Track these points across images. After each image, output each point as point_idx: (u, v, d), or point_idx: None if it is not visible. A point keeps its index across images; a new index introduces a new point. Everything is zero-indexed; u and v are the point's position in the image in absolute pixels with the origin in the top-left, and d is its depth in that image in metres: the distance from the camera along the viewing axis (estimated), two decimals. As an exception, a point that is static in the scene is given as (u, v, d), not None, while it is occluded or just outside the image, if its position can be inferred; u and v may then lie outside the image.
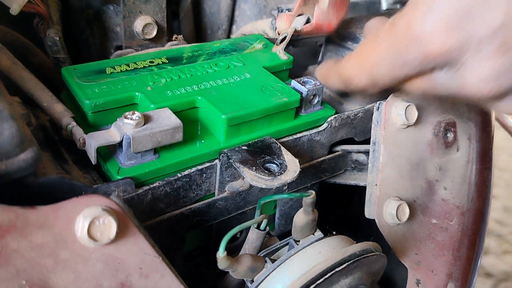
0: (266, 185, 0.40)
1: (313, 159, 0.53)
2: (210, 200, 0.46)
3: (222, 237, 0.52)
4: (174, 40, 0.57)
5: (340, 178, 0.56)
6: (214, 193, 0.47)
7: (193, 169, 0.44)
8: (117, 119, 0.40)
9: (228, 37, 0.69)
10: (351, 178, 0.55)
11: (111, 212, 0.32)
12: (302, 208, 0.39)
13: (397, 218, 0.47)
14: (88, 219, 0.31)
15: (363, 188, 0.55)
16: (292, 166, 0.43)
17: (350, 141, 0.55)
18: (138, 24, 0.55)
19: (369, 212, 0.48)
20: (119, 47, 0.58)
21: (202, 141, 0.45)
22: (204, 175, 0.45)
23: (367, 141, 0.55)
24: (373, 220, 0.48)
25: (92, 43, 0.60)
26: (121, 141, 0.40)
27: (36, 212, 0.31)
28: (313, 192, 0.37)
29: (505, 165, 2.27)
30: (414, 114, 0.48)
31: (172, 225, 0.44)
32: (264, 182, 0.40)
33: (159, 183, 0.42)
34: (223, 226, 0.51)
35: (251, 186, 0.47)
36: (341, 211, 0.62)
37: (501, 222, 2.05)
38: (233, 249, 0.53)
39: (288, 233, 0.57)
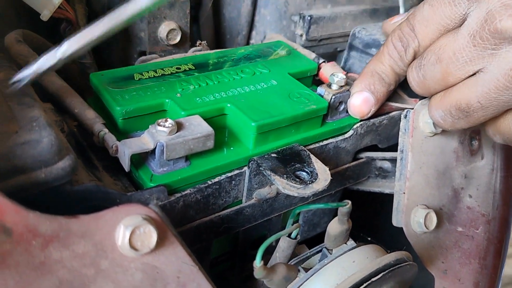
0: (299, 193, 0.40)
1: (338, 166, 0.53)
2: (238, 207, 0.46)
3: (247, 243, 0.52)
4: (198, 45, 0.57)
5: (364, 185, 0.56)
6: (242, 200, 0.47)
7: (223, 176, 0.43)
8: (150, 126, 0.40)
9: (248, 42, 0.69)
10: (374, 185, 0.55)
11: (151, 221, 0.32)
12: (336, 217, 0.38)
13: (425, 226, 0.47)
14: (129, 228, 0.31)
15: (383, 195, 0.55)
16: (323, 174, 0.42)
17: (372, 147, 0.55)
18: (163, 29, 0.55)
19: (397, 220, 0.47)
20: (143, 53, 0.57)
21: (231, 148, 0.45)
22: (233, 182, 0.44)
23: (390, 148, 0.55)
24: (388, 225, 0.48)
25: (114, 47, 0.59)
26: (154, 149, 0.39)
27: (78, 221, 0.31)
28: (349, 202, 0.37)
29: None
30: (442, 122, 0.48)
31: (201, 232, 0.44)
32: (296, 191, 0.40)
33: (190, 190, 0.42)
34: (248, 233, 0.51)
35: (277, 193, 0.47)
36: (361, 217, 0.61)
37: (506, 226, 2.05)
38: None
39: (311, 239, 0.57)
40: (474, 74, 0.40)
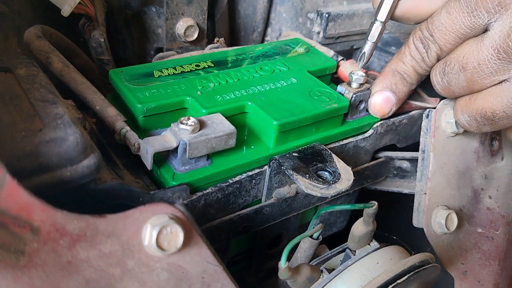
0: (322, 193, 0.40)
1: (357, 166, 0.52)
2: (257, 206, 0.46)
3: (264, 243, 0.52)
4: (215, 42, 0.57)
5: (381, 184, 0.56)
6: (261, 199, 0.46)
7: (244, 175, 0.43)
8: (172, 124, 0.39)
9: (263, 39, 0.69)
10: (393, 185, 0.55)
11: (177, 221, 0.32)
12: (361, 218, 0.38)
13: (446, 227, 0.46)
14: (157, 228, 0.30)
15: (399, 195, 0.54)
16: (346, 174, 0.42)
17: (389, 146, 0.54)
18: (180, 26, 0.54)
19: (418, 221, 0.47)
20: (160, 49, 0.57)
21: (252, 146, 0.45)
22: (254, 181, 0.44)
23: (408, 148, 0.55)
24: (410, 227, 0.48)
25: (129, 44, 0.59)
26: (176, 147, 0.39)
27: (105, 220, 0.30)
28: (376, 203, 0.36)
29: None
30: (464, 122, 0.47)
31: (221, 231, 0.44)
32: (319, 191, 0.40)
33: (211, 189, 0.41)
34: (266, 232, 0.50)
35: (297, 193, 0.47)
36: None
37: None
38: (275, 255, 0.53)
39: (326, 238, 0.56)
40: (500, 83, 0.40)
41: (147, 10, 0.56)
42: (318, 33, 0.63)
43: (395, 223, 0.60)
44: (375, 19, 0.44)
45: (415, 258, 0.38)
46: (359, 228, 0.38)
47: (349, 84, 0.49)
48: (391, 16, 0.45)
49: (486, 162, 0.51)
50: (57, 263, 0.29)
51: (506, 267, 0.50)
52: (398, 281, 0.36)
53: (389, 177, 0.56)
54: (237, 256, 0.52)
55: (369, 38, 0.44)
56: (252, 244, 0.52)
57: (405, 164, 0.54)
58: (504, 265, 0.50)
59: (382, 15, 0.43)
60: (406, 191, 0.53)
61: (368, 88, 0.49)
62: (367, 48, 0.45)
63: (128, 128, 0.41)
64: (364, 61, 0.46)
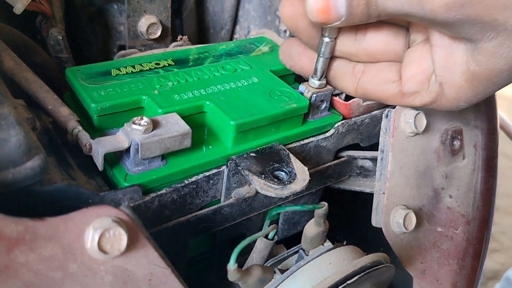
0: (276, 194, 0.40)
1: (319, 165, 0.52)
2: (216, 206, 0.45)
3: (225, 242, 0.52)
4: (179, 40, 0.56)
5: (345, 183, 0.56)
6: (220, 199, 0.46)
7: (201, 175, 0.43)
8: (125, 124, 0.39)
9: (231, 37, 0.68)
10: (356, 184, 0.55)
11: (121, 224, 0.31)
12: (313, 219, 0.38)
13: (404, 227, 0.46)
14: (98, 231, 0.30)
15: (365, 194, 0.54)
16: (302, 174, 0.42)
17: (353, 146, 0.54)
18: (143, 23, 0.54)
19: (376, 220, 0.47)
20: (122, 47, 0.56)
21: (209, 146, 0.44)
22: (211, 181, 0.44)
23: (371, 147, 0.55)
24: (369, 225, 0.48)
25: (93, 41, 0.58)
26: (129, 147, 0.39)
27: (45, 224, 0.30)
28: (326, 204, 0.36)
29: (495, 165, 2.30)
30: (423, 122, 0.47)
31: (177, 232, 0.44)
32: (273, 191, 0.40)
33: (166, 190, 0.41)
34: (227, 232, 0.50)
35: (257, 192, 0.47)
36: (343, 216, 0.61)
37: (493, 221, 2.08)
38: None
39: (290, 238, 0.56)
40: None
41: (109, 7, 0.55)
42: (285, 31, 0.63)
43: (362, 224, 0.60)
44: (323, 36, 0.43)
45: (367, 259, 0.38)
46: (311, 228, 0.38)
47: (310, 83, 0.49)
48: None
49: (447, 161, 0.52)
50: (-6, 268, 0.28)
51: (465, 266, 0.51)
52: (348, 282, 0.36)
53: (353, 176, 0.56)
54: (199, 256, 0.52)
55: (320, 55, 0.44)
56: (213, 244, 0.51)
57: (368, 163, 0.54)
58: (462, 264, 0.51)
59: (328, 31, 0.43)
60: (368, 190, 0.53)
61: (329, 90, 0.49)
62: (319, 64, 0.45)
63: (80, 128, 0.40)
64: (318, 76, 0.46)
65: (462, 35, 0.37)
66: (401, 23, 0.43)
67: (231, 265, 0.34)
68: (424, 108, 0.44)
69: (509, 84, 0.40)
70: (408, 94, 0.43)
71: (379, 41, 0.43)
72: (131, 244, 0.32)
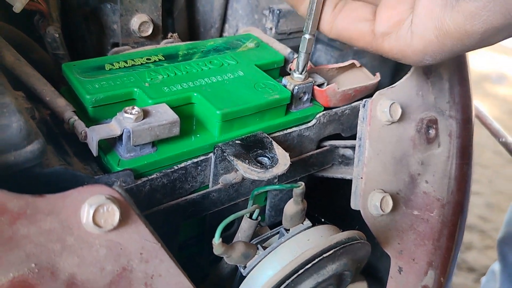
0: (259, 177, 0.43)
1: (302, 154, 0.55)
2: (204, 191, 0.48)
3: (215, 227, 0.54)
4: (169, 38, 0.59)
5: (328, 171, 0.59)
6: (208, 185, 0.49)
7: (189, 162, 0.46)
8: (118, 113, 0.42)
9: (221, 35, 0.71)
10: (338, 172, 0.58)
11: (114, 201, 0.34)
12: (292, 199, 0.41)
13: (381, 209, 0.49)
14: (93, 206, 0.33)
15: (350, 181, 0.57)
16: (283, 159, 0.45)
17: (337, 136, 0.58)
18: (135, 22, 0.57)
19: (355, 203, 0.50)
20: (116, 44, 0.59)
21: (198, 135, 0.47)
22: (199, 167, 0.47)
23: (353, 137, 0.58)
24: (359, 211, 0.51)
25: (88, 39, 0.61)
26: (121, 135, 0.42)
27: (44, 200, 0.33)
28: (303, 184, 0.40)
29: (488, 162, 2.33)
30: (398, 111, 0.51)
31: (169, 214, 0.47)
32: (256, 174, 0.43)
33: (156, 174, 0.44)
34: (216, 217, 0.53)
35: (243, 178, 0.50)
36: (329, 202, 0.64)
37: (484, 218, 2.10)
38: (227, 239, 0.56)
39: (278, 224, 0.59)
40: None
41: (103, 7, 0.58)
42: (271, 29, 0.66)
43: (346, 207, 0.63)
44: (304, 33, 0.47)
45: (343, 235, 0.41)
46: (291, 207, 0.41)
47: (292, 77, 0.52)
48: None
49: (423, 149, 0.55)
50: (-2, 239, 0.31)
51: (439, 246, 0.54)
52: (324, 255, 0.39)
53: (335, 165, 0.59)
54: (190, 240, 0.55)
55: (301, 50, 0.48)
56: (203, 228, 0.54)
57: (349, 152, 0.57)
58: (437, 245, 0.54)
59: (310, 29, 0.47)
60: (349, 177, 0.56)
61: (311, 82, 0.52)
62: (301, 59, 0.49)
63: (76, 117, 0.43)
64: (300, 70, 0.50)
65: None
66: None
67: (216, 239, 0.37)
68: (392, 57, 0.45)
69: (476, 49, 0.40)
70: (378, 35, 0.44)
71: None
72: (123, 220, 0.35)
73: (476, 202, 2.20)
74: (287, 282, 0.38)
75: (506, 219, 1.13)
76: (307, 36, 0.46)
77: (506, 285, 1.11)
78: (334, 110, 0.54)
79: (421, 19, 0.40)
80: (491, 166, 2.32)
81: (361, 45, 0.46)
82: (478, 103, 0.75)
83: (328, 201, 0.64)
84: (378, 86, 0.55)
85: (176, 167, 0.45)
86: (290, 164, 0.45)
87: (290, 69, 0.58)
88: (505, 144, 0.76)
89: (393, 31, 0.43)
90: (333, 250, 0.39)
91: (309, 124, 0.53)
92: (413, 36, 0.41)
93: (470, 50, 0.41)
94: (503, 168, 2.36)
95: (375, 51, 0.46)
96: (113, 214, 0.34)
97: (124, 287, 0.36)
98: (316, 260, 0.38)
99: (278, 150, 0.46)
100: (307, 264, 0.38)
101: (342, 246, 0.40)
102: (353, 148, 0.56)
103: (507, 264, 1.10)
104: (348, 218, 0.60)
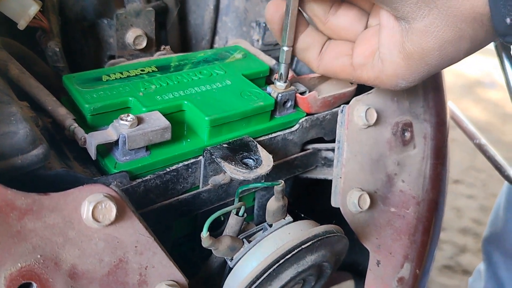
0: (244, 177, 0.47)
1: (286, 156, 0.59)
2: (195, 192, 0.52)
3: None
4: (162, 50, 0.63)
5: (312, 173, 0.63)
6: (199, 186, 0.53)
7: (180, 164, 0.50)
8: (114, 120, 0.46)
9: (212, 46, 0.76)
10: (321, 173, 0.62)
11: (111, 198, 0.38)
12: (274, 196, 0.45)
13: (359, 206, 0.53)
14: (92, 203, 0.37)
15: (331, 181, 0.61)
16: (267, 161, 0.49)
17: (320, 140, 0.62)
18: (130, 36, 0.61)
19: (335, 201, 0.54)
20: (112, 57, 0.64)
21: (188, 140, 0.51)
22: (190, 169, 0.51)
23: (335, 140, 0.62)
24: (339, 209, 0.55)
25: (86, 52, 0.66)
26: (117, 140, 0.46)
27: (49, 197, 0.37)
28: (282, 181, 0.44)
29: (482, 166, 2.37)
30: (373, 115, 0.55)
31: (162, 213, 0.50)
32: (242, 175, 0.47)
33: (150, 176, 0.48)
34: (207, 216, 0.57)
35: (231, 179, 0.54)
36: (313, 202, 0.68)
37: (478, 221, 2.13)
38: (217, 236, 0.60)
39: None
40: None
41: (100, 22, 0.62)
42: (258, 40, 0.70)
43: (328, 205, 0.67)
44: (282, 45, 0.52)
45: (321, 229, 0.45)
46: (272, 203, 0.45)
47: (276, 85, 0.57)
48: None
49: (399, 150, 0.59)
50: (8, 232, 0.35)
51: (415, 240, 0.58)
52: (303, 246, 0.43)
53: (319, 166, 0.63)
54: (183, 238, 0.58)
55: (281, 61, 0.53)
56: (195, 227, 0.58)
57: (331, 154, 0.61)
58: (413, 239, 0.58)
59: (286, 41, 0.52)
60: (331, 177, 0.60)
61: (294, 90, 0.57)
62: (282, 69, 0.54)
63: (76, 125, 0.47)
64: (283, 79, 0.54)
65: (400, 14, 0.42)
66: (365, 9, 0.51)
67: (204, 233, 0.41)
68: (371, 84, 0.50)
69: (441, 67, 0.45)
70: (357, 67, 0.50)
71: (346, 19, 0.51)
72: (120, 216, 0.39)
73: (470, 205, 2.23)
74: (269, 271, 0.42)
75: (490, 218, 1.17)
76: (285, 48, 0.51)
77: (490, 284, 1.14)
78: (315, 115, 0.58)
79: (386, 47, 0.46)
80: (485, 169, 2.35)
81: (344, 77, 0.52)
82: (453, 105, 0.79)
83: (314, 201, 0.68)
84: (356, 93, 0.59)
85: (168, 169, 0.49)
86: (274, 165, 0.49)
87: (275, 78, 0.63)
88: (479, 146, 0.80)
89: (368, 62, 0.49)
90: (311, 241, 0.43)
91: (293, 129, 0.58)
92: (383, 63, 0.47)
93: (438, 70, 0.45)
94: (496, 172, 2.40)
95: (357, 81, 0.52)
96: (111, 210, 0.38)
97: (120, 277, 0.40)
98: (296, 251, 0.42)
99: (262, 153, 0.50)
100: (288, 255, 0.42)
101: (320, 238, 0.44)
102: (334, 151, 0.60)
103: (491, 263, 1.14)
104: (331, 216, 0.64)
